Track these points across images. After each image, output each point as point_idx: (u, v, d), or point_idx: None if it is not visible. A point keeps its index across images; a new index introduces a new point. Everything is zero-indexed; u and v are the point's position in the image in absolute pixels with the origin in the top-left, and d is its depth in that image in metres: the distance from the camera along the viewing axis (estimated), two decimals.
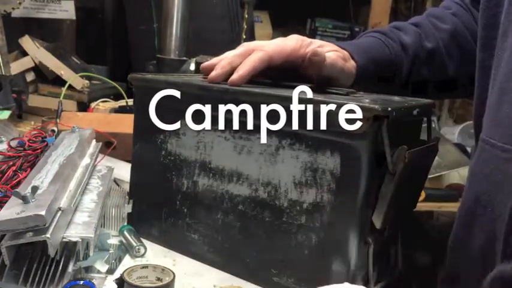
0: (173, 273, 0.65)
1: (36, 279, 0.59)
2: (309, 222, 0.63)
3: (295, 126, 0.63)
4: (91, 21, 2.21)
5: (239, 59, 0.73)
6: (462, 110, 2.57)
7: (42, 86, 1.57)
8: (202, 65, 0.77)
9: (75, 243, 0.62)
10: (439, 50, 0.82)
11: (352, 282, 0.60)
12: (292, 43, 0.74)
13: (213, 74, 0.73)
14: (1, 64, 1.34)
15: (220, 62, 0.74)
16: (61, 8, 1.76)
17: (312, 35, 2.43)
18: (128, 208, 0.82)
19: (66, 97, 1.45)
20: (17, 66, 1.53)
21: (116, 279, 0.65)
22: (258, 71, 0.72)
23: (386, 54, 0.80)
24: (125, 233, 0.76)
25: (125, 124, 1.06)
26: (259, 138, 0.66)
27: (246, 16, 1.41)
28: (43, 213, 0.55)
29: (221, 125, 0.70)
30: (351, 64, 0.77)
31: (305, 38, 0.76)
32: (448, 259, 0.73)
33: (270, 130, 0.65)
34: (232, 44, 1.71)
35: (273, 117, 0.65)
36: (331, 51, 0.75)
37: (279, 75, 0.75)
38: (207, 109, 0.71)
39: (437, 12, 0.86)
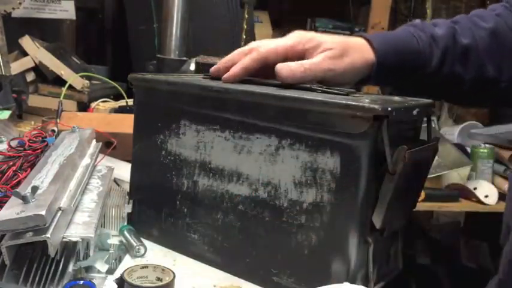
0: (173, 273, 0.65)
1: (36, 279, 0.59)
2: (309, 222, 0.63)
3: (295, 126, 0.63)
4: (91, 21, 2.21)
5: (239, 57, 0.75)
6: (462, 110, 2.57)
7: (42, 86, 1.57)
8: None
9: (75, 243, 0.62)
10: (475, 47, 0.77)
11: (352, 282, 0.60)
12: (291, 41, 0.74)
13: (213, 68, 0.77)
14: (1, 64, 1.34)
15: (224, 58, 0.76)
16: (61, 8, 1.76)
17: None
18: (128, 208, 0.82)
19: (66, 97, 1.45)
20: (17, 66, 1.53)
21: (116, 279, 0.65)
22: (251, 70, 0.74)
23: (413, 45, 0.76)
24: (125, 233, 0.76)
25: (125, 124, 1.06)
26: (259, 138, 0.66)
27: (246, 16, 1.41)
28: (43, 213, 0.55)
29: (221, 125, 0.70)
30: (359, 56, 0.73)
31: (306, 34, 0.75)
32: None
33: (270, 130, 0.65)
34: (232, 44, 1.71)
35: (273, 117, 0.65)
36: (321, 53, 0.72)
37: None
38: (207, 109, 0.71)
39: (481, 12, 0.82)
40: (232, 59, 0.75)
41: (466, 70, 0.77)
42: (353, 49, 0.74)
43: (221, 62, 0.76)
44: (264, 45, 0.74)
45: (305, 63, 0.71)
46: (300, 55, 0.73)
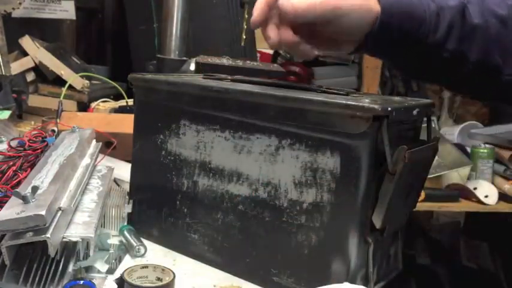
0: (173, 273, 0.65)
1: (37, 279, 0.59)
2: (309, 222, 0.63)
3: (295, 126, 0.63)
4: (91, 21, 2.21)
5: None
6: (462, 110, 2.57)
7: (42, 86, 1.57)
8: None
9: (75, 243, 0.62)
10: (485, 29, 0.73)
11: (352, 282, 0.60)
12: None
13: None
14: (1, 64, 1.34)
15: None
16: (61, 8, 1.76)
17: None
18: (128, 208, 0.82)
19: (66, 97, 1.45)
20: (17, 66, 1.53)
21: (116, 279, 0.65)
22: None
23: (419, 11, 0.71)
24: (125, 232, 0.76)
25: (125, 124, 1.06)
26: (259, 138, 0.66)
27: (246, 16, 1.40)
28: (43, 213, 0.55)
29: (221, 125, 0.70)
30: (365, 2, 0.69)
31: None
32: None
33: (270, 130, 0.65)
34: (232, 44, 1.71)
35: (273, 117, 0.65)
36: None
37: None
38: (207, 109, 0.71)
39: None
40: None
41: (471, 50, 0.73)
42: None
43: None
44: None
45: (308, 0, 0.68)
46: None
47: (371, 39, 0.71)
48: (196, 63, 1.31)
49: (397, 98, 0.69)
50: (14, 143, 0.82)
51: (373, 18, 0.70)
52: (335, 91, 0.69)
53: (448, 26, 0.72)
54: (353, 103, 0.59)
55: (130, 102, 1.37)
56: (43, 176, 0.66)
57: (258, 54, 2.03)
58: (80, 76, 1.51)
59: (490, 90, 0.79)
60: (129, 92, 1.35)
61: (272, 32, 0.71)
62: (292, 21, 0.68)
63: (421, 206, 1.72)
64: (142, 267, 0.66)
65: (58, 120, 1.09)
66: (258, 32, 2.05)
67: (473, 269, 2.32)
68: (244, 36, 1.43)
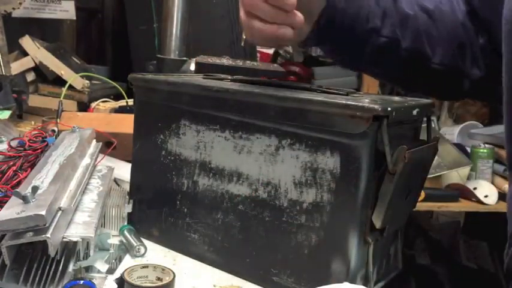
0: (173, 273, 0.65)
1: (37, 279, 0.59)
2: (309, 222, 0.63)
3: (295, 126, 0.63)
4: (91, 21, 2.21)
5: None
6: (462, 110, 2.57)
7: (42, 86, 1.57)
8: None
9: (75, 243, 0.62)
10: (414, 18, 0.78)
11: (352, 281, 0.60)
12: None
13: None
14: (1, 64, 1.34)
15: None
16: (61, 8, 1.76)
17: None
18: (128, 208, 0.82)
19: (67, 97, 1.45)
20: (17, 66, 1.53)
21: (116, 279, 0.65)
22: None
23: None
24: (125, 232, 0.76)
25: (125, 124, 1.06)
26: (259, 138, 0.66)
27: None
28: (43, 213, 0.55)
29: (221, 125, 0.70)
30: None
31: None
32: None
33: (270, 130, 0.65)
34: (232, 44, 1.71)
35: (273, 117, 0.65)
36: None
37: None
38: (207, 109, 0.71)
39: None
40: None
41: (404, 38, 0.78)
42: None
43: None
44: None
45: None
46: None
47: (318, 20, 0.73)
48: (196, 63, 1.32)
49: (397, 98, 0.69)
50: (14, 143, 0.82)
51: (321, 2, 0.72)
52: (335, 91, 0.69)
53: (383, 12, 0.77)
54: (353, 103, 0.59)
55: (130, 102, 1.37)
56: (43, 176, 0.66)
57: (258, 54, 2.03)
58: (80, 76, 1.51)
59: (420, 77, 0.84)
60: (129, 92, 1.35)
61: None
62: None
63: (421, 206, 1.72)
64: (142, 267, 0.66)
65: (58, 120, 1.09)
66: None
67: (473, 269, 2.32)
68: (244, 36, 1.43)
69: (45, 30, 1.86)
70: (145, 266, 0.66)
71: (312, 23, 0.74)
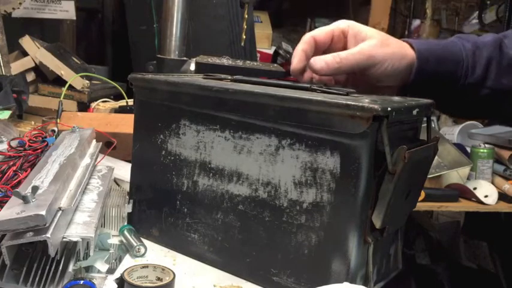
0: (173, 273, 0.65)
1: (37, 279, 0.59)
2: (309, 222, 0.63)
3: (295, 126, 0.63)
4: (91, 21, 2.21)
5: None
6: None
7: (42, 86, 1.57)
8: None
9: (75, 243, 0.62)
10: None
11: (352, 281, 0.60)
12: (336, 24, 0.75)
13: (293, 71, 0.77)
14: (1, 64, 1.34)
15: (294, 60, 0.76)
16: (61, 8, 1.76)
17: None
18: (128, 208, 0.82)
19: (67, 97, 1.45)
20: (17, 66, 1.53)
21: (116, 279, 0.65)
22: (307, 51, 0.74)
23: (455, 50, 0.73)
24: (125, 232, 0.76)
25: (125, 124, 1.07)
26: (259, 138, 0.66)
27: (246, 16, 1.40)
28: (43, 213, 0.55)
29: (221, 125, 0.70)
30: (399, 49, 0.72)
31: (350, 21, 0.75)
32: None
33: (270, 130, 0.65)
34: (232, 44, 1.72)
35: (273, 117, 0.65)
36: (361, 42, 0.72)
37: None
38: (207, 109, 0.71)
39: None
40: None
41: (510, 81, 0.74)
42: (394, 42, 0.73)
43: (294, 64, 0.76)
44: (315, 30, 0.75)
45: (341, 54, 0.71)
46: (344, 34, 0.74)
47: (410, 84, 0.73)
48: (197, 63, 1.32)
49: (397, 98, 0.69)
50: (14, 143, 0.82)
51: (409, 64, 0.72)
52: (335, 91, 0.69)
53: (486, 63, 0.73)
54: (353, 103, 0.59)
55: (130, 102, 1.37)
56: (43, 176, 0.66)
57: (258, 54, 2.03)
58: (80, 76, 1.51)
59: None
60: (129, 92, 1.35)
61: (308, 77, 0.76)
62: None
63: (421, 206, 1.72)
64: (143, 267, 0.66)
65: (58, 120, 1.09)
66: (257, 33, 2.06)
67: (473, 269, 2.32)
68: (244, 36, 1.43)
69: (45, 30, 1.86)
70: (145, 266, 0.66)
71: (393, 88, 0.75)
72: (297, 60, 0.74)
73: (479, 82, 0.73)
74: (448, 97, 0.75)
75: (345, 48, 0.74)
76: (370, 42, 0.71)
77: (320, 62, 0.72)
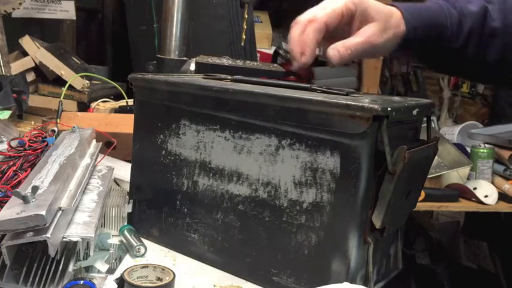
0: (173, 273, 0.65)
1: (37, 279, 0.59)
2: (309, 222, 0.63)
3: (295, 126, 0.63)
4: (91, 21, 2.21)
5: (301, 35, 0.75)
6: (462, 110, 2.58)
7: (42, 86, 1.57)
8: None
9: (75, 243, 0.62)
10: (504, 31, 0.78)
11: (352, 281, 0.60)
12: (343, 3, 0.75)
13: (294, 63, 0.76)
14: (1, 64, 1.34)
15: (292, 43, 0.75)
16: (61, 8, 1.76)
17: None
18: (128, 208, 0.82)
19: (67, 97, 1.45)
20: (17, 66, 1.53)
21: (116, 279, 0.65)
22: (319, 39, 0.74)
23: (441, 21, 0.77)
24: (125, 232, 0.76)
25: (125, 124, 1.07)
26: (259, 138, 0.66)
27: (246, 16, 1.40)
28: (43, 213, 0.55)
29: (221, 125, 0.70)
30: (394, 31, 0.76)
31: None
32: None
33: (270, 130, 0.65)
34: (232, 44, 1.71)
35: (273, 117, 0.65)
36: (366, 27, 0.74)
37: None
38: (207, 109, 0.71)
39: None
40: (298, 39, 0.75)
41: (489, 53, 0.78)
42: (393, 23, 0.76)
43: (293, 48, 0.74)
44: (319, 12, 0.75)
45: (351, 46, 0.73)
46: (352, 13, 0.74)
47: (396, 50, 0.77)
48: (196, 63, 1.32)
49: (397, 98, 0.69)
50: (14, 143, 0.82)
51: (399, 38, 0.76)
52: (335, 91, 0.69)
53: (468, 32, 0.78)
54: (353, 103, 0.59)
55: (130, 102, 1.37)
56: (43, 176, 0.66)
57: (258, 54, 2.03)
58: (80, 76, 1.51)
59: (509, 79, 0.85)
60: (129, 92, 1.35)
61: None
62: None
63: (421, 206, 1.72)
64: (143, 267, 0.66)
65: (58, 120, 1.09)
66: (258, 32, 2.06)
67: (473, 269, 2.32)
68: (244, 36, 1.43)
69: (45, 30, 1.86)
70: (145, 266, 0.66)
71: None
72: (310, 51, 0.74)
73: (460, 49, 0.79)
74: (434, 58, 0.81)
75: (350, 26, 0.76)
76: (373, 28, 0.74)
77: (336, 55, 0.74)
